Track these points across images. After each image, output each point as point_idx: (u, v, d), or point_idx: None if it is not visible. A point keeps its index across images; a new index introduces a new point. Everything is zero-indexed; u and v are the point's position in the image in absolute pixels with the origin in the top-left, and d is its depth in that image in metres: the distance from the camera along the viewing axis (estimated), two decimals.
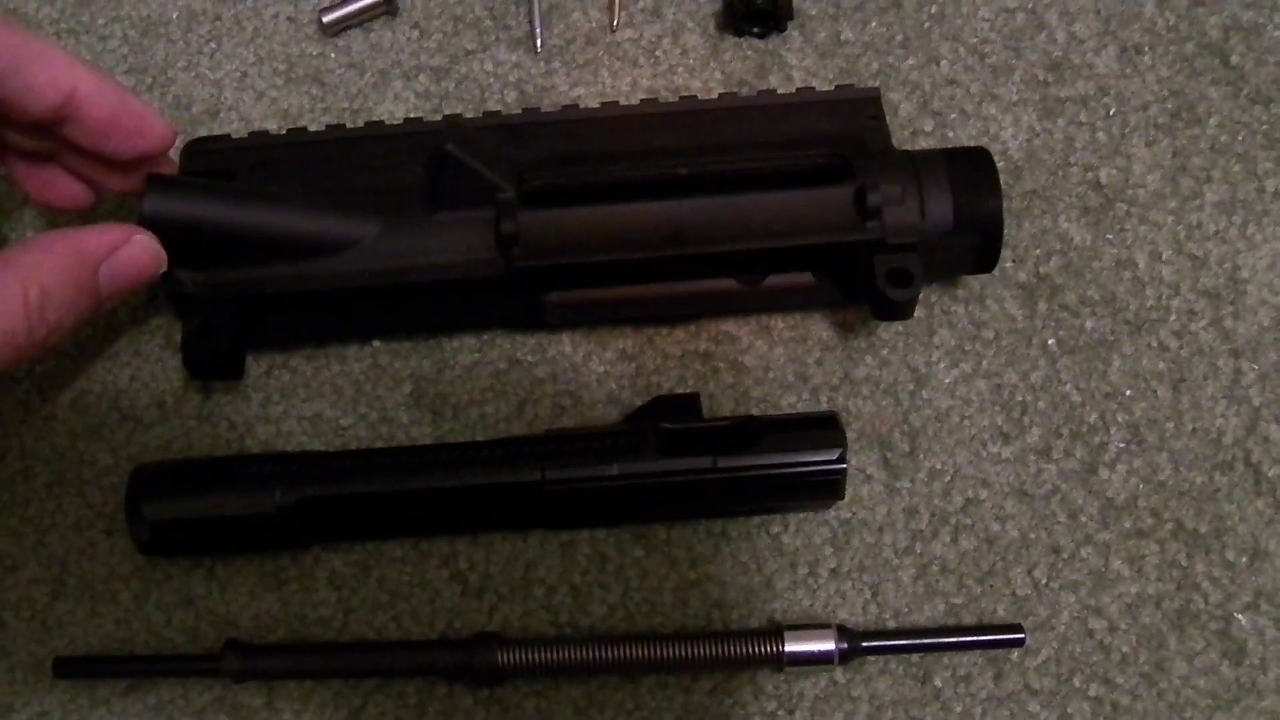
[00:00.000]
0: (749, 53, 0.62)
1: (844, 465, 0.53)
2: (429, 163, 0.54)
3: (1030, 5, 0.62)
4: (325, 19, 0.62)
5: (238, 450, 0.57)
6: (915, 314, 0.57)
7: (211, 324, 0.54)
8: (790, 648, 0.52)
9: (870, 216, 0.53)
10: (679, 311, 0.57)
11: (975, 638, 0.54)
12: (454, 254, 0.53)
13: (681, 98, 0.58)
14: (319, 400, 0.57)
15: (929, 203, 0.53)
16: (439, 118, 0.58)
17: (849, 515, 0.56)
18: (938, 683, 0.54)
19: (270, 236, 0.52)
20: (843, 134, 0.55)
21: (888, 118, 0.57)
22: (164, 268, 0.50)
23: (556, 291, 0.55)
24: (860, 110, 0.56)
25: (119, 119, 0.50)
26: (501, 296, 0.55)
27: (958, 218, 0.53)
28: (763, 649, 0.52)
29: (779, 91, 0.58)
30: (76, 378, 0.58)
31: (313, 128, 0.59)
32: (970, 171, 0.54)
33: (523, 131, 0.56)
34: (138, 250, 0.49)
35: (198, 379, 0.57)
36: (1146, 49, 0.62)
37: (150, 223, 0.50)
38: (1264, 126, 0.61)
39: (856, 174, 0.53)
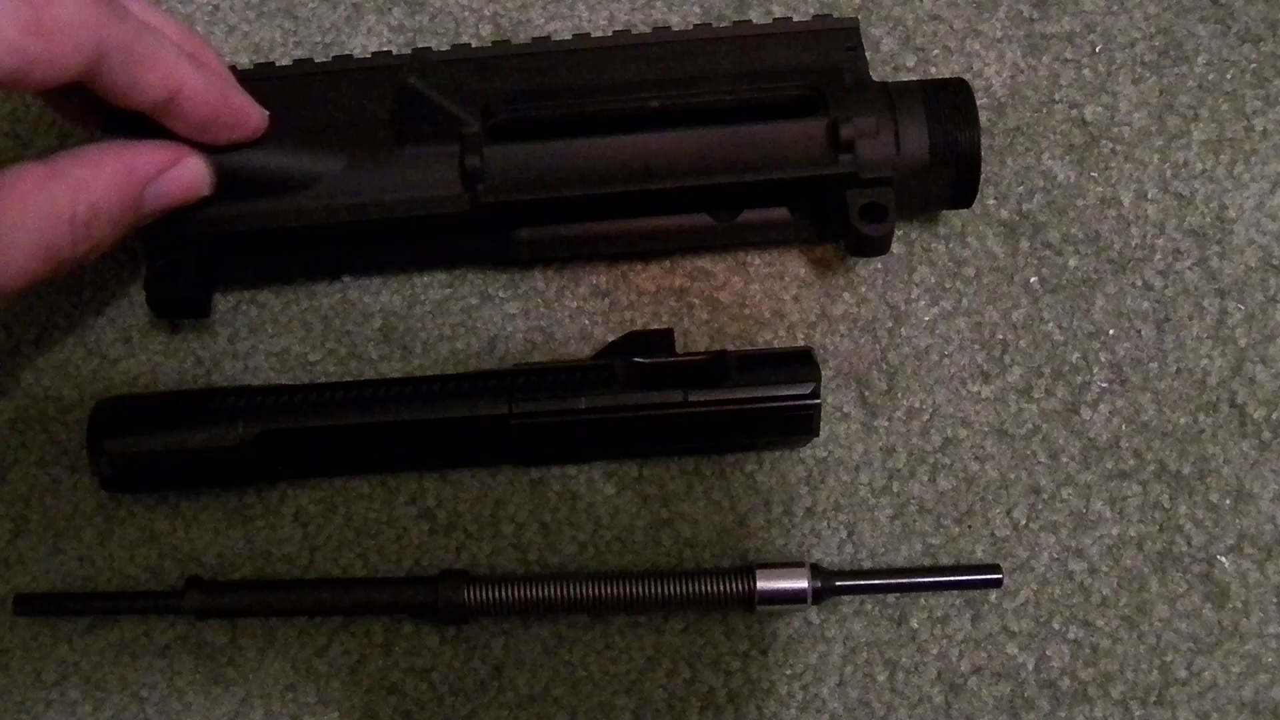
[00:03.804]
0: None
1: (818, 400, 0.51)
2: (395, 96, 0.53)
3: None
4: None
5: (204, 386, 0.56)
6: (895, 251, 0.56)
7: (176, 263, 0.53)
8: (762, 585, 0.51)
9: (843, 150, 0.52)
10: (652, 247, 0.56)
11: (953, 578, 0.53)
12: (419, 190, 0.52)
13: (655, 29, 0.57)
14: (287, 336, 0.56)
15: (904, 135, 0.52)
16: (411, 51, 0.57)
17: (825, 454, 0.55)
18: (914, 624, 0.53)
19: (233, 172, 0.51)
20: (819, 65, 0.54)
21: (869, 53, 0.56)
22: (209, 191, 0.50)
23: (525, 228, 0.54)
24: (838, 41, 0.55)
25: (218, 116, 0.49)
26: (469, 233, 0.54)
27: (934, 150, 0.52)
28: (734, 587, 0.51)
29: (755, 22, 0.57)
30: (41, 313, 0.57)
31: (283, 62, 0.58)
32: (947, 103, 0.53)
33: (492, 65, 0.55)
34: (186, 172, 0.49)
35: (162, 319, 0.56)
36: None
37: None
38: (1253, 65, 0.59)
39: (830, 106, 0.52)
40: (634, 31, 0.58)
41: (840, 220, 0.52)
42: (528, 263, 0.57)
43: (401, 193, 0.52)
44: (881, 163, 0.52)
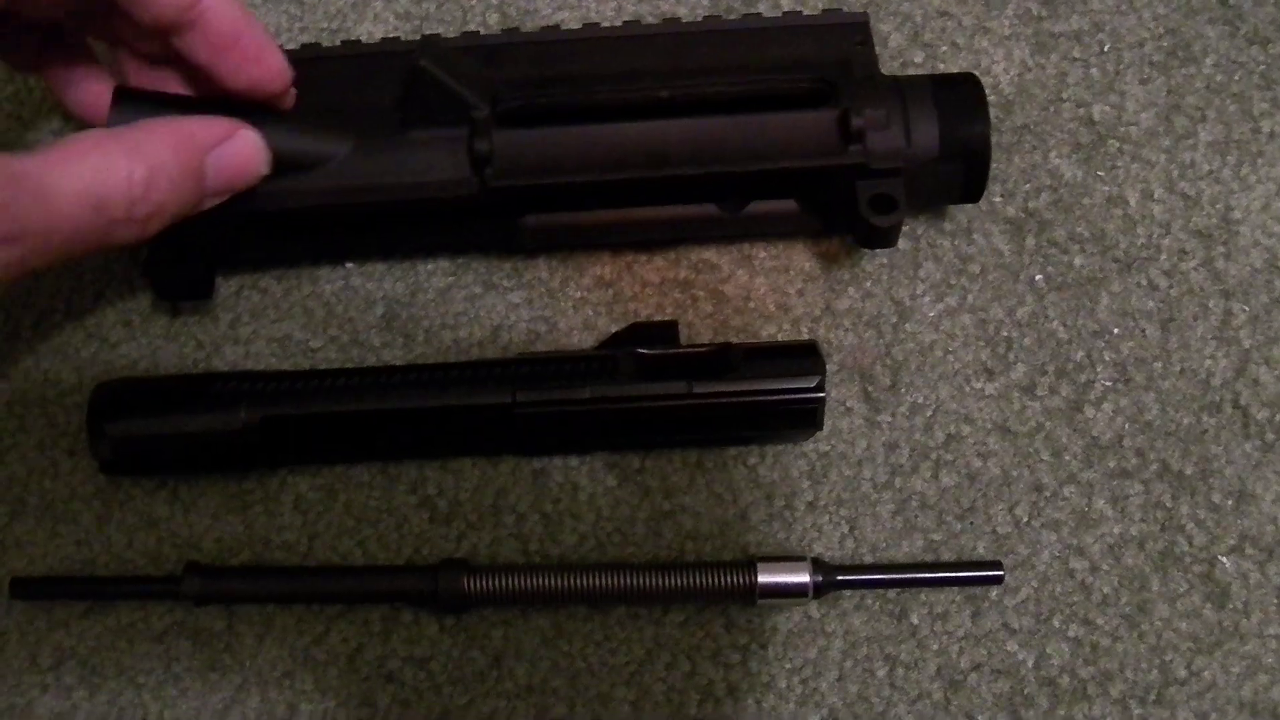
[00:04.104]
0: None
1: (822, 394, 0.51)
2: (404, 80, 0.52)
3: None
4: None
5: (205, 371, 0.56)
6: (900, 246, 0.56)
7: (179, 244, 0.53)
8: (763, 579, 0.51)
9: (853, 140, 0.51)
10: (659, 237, 0.56)
11: (954, 574, 0.53)
12: (427, 173, 0.52)
13: (664, 20, 0.56)
14: (289, 321, 0.56)
15: (914, 128, 0.52)
16: (421, 37, 0.56)
17: (827, 448, 0.55)
18: (914, 620, 0.53)
19: None
20: (829, 59, 0.54)
21: (878, 49, 0.56)
22: (267, 170, 0.49)
23: (532, 214, 0.54)
24: (847, 35, 0.55)
25: (240, 38, 0.48)
26: (476, 218, 0.54)
27: (943, 143, 0.52)
28: (735, 580, 0.51)
29: (764, 15, 0.56)
30: (41, 295, 0.57)
31: (289, 47, 0.58)
32: (958, 97, 0.53)
33: (501, 52, 0.55)
34: (245, 145, 0.48)
35: (164, 300, 0.56)
36: None
37: None
38: (1261, 67, 0.59)
39: (840, 97, 0.52)
40: (643, 23, 0.57)
41: (849, 212, 0.52)
42: (533, 251, 0.57)
43: (409, 176, 0.52)
44: (891, 154, 0.52)
